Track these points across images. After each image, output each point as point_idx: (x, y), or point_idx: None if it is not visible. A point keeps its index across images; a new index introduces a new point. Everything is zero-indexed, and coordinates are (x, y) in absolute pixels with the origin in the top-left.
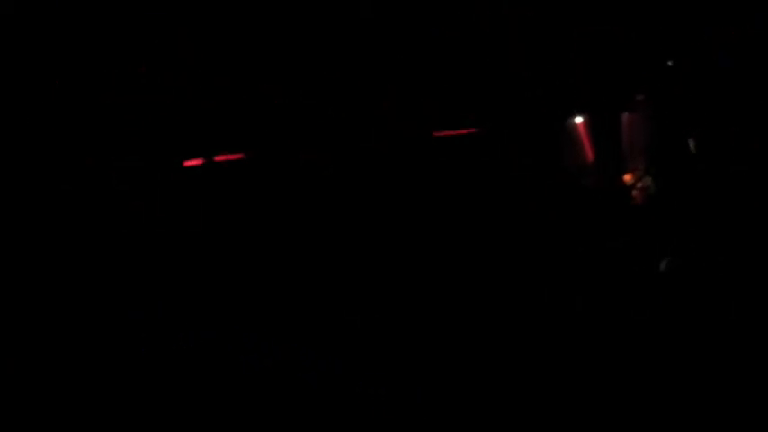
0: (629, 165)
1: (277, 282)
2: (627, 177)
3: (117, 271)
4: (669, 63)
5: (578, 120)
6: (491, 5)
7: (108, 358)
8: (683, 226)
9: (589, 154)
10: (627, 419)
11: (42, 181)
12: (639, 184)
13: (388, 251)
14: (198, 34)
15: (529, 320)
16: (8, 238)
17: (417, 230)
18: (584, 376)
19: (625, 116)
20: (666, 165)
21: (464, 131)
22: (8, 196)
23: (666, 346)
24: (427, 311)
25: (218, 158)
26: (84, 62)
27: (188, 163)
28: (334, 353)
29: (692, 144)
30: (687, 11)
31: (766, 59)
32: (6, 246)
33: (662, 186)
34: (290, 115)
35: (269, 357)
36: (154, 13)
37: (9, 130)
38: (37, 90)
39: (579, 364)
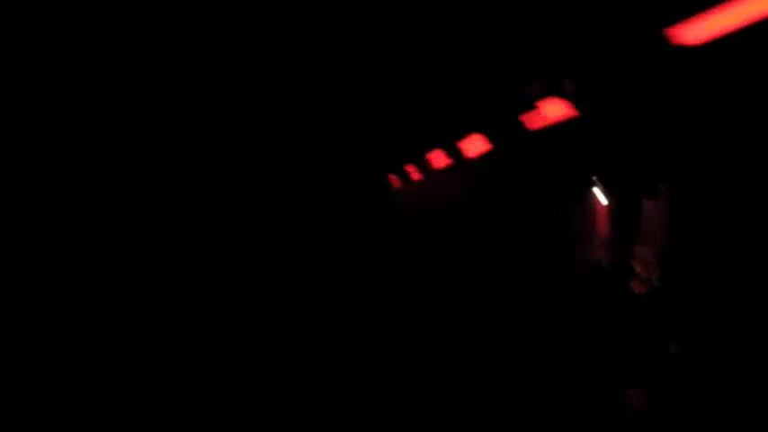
0: (639, 252)
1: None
2: (636, 266)
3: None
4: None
5: (602, 198)
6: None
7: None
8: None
9: (606, 230)
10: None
11: (42, 179)
12: (645, 275)
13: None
14: (197, 34)
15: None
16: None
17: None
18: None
19: (647, 203)
20: (678, 257)
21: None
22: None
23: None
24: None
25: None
26: (83, 62)
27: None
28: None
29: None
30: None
31: None
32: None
33: (665, 280)
34: (290, 115)
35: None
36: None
37: (7, 128)
38: (36, 89)
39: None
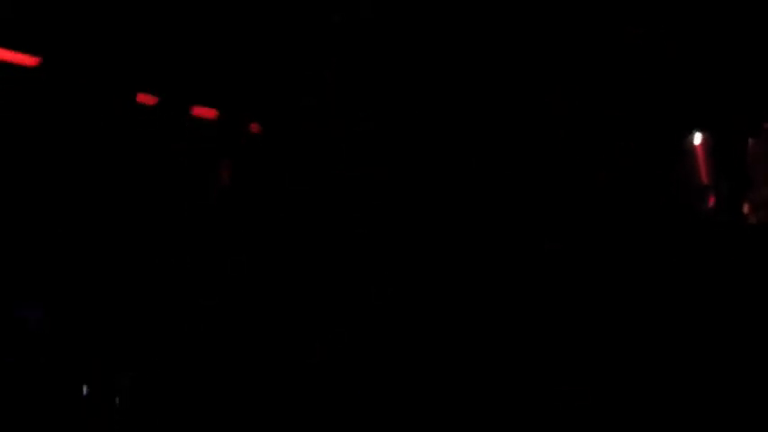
0: (748, 194)
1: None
2: (745, 208)
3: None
4: None
5: (697, 139)
6: None
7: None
8: None
9: (705, 176)
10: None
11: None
12: (755, 216)
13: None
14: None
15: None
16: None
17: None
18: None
19: (750, 142)
20: None
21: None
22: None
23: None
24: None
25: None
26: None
27: None
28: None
29: None
30: None
31: None
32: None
33: None
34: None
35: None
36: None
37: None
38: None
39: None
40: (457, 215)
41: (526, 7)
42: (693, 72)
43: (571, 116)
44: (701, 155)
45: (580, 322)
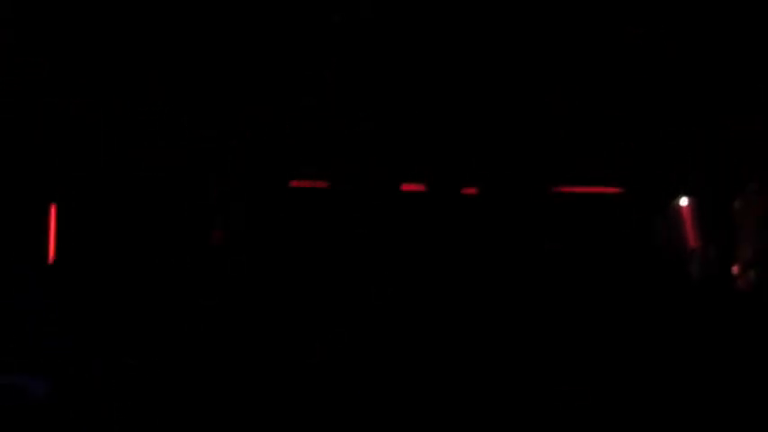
0: (736, 254)
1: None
2: (734, 268)
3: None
4: None
5: (684, 202)
6: None
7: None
8: None
9: (693, 239)
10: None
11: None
12: (744, 276)
13: None
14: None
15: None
16: None
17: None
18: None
19: (735, 203)
20: None
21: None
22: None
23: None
24: None
25: None
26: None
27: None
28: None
29: None
30: None
31: None
32: None
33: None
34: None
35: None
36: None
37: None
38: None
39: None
40: (457, 214)
41: (526, 7)
42: (693, 72)
43: (571, 116)
44: (687, 218)
45: (580, 322)
